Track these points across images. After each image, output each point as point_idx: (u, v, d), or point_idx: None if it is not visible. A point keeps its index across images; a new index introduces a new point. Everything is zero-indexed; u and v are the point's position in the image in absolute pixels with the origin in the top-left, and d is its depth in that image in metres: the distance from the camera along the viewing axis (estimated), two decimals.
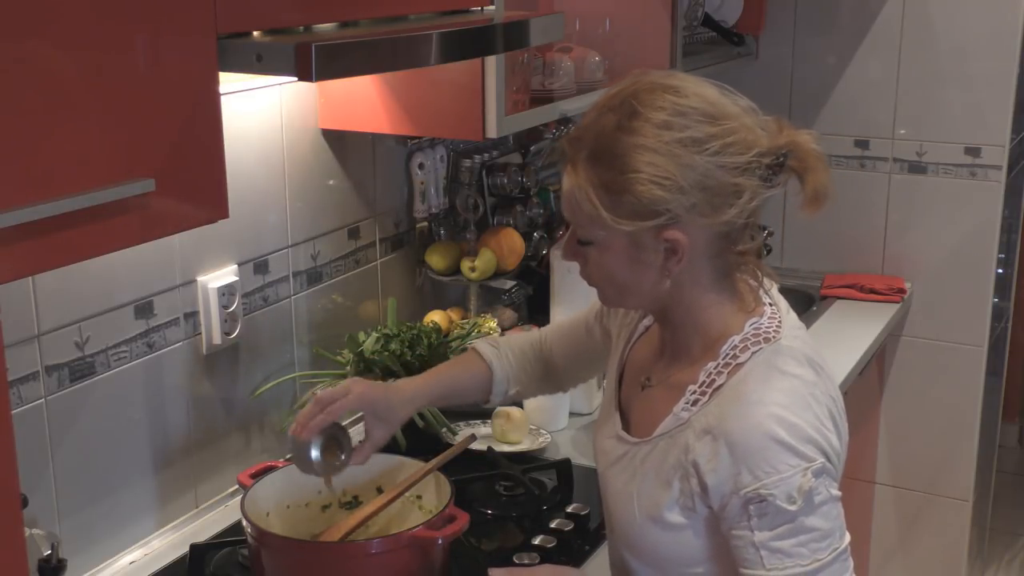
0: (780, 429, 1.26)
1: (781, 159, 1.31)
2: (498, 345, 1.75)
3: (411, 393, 1.67)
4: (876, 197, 3.14)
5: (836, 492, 1.31)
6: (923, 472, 3.24)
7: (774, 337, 1.34)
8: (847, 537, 1.32)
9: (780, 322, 1.37)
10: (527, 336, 1.78)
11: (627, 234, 1.31)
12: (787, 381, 1.30)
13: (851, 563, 1.32)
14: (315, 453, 1.54)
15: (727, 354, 1.35)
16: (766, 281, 1.40)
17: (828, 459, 1.29)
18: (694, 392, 1.35)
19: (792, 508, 1.26)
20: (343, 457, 1.60)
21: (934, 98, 3.06)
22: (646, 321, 1.54)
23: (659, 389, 1.42)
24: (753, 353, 1.33)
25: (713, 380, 1.34)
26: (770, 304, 1.39)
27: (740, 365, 1.33)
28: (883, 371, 3.21)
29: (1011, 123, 3.01)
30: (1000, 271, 3.18)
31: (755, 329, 1.35)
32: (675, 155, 1.27)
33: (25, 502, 1.51)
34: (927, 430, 3.20)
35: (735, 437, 1.28)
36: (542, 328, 1.82)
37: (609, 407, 1.52)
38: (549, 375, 1.76)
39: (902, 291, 3.08)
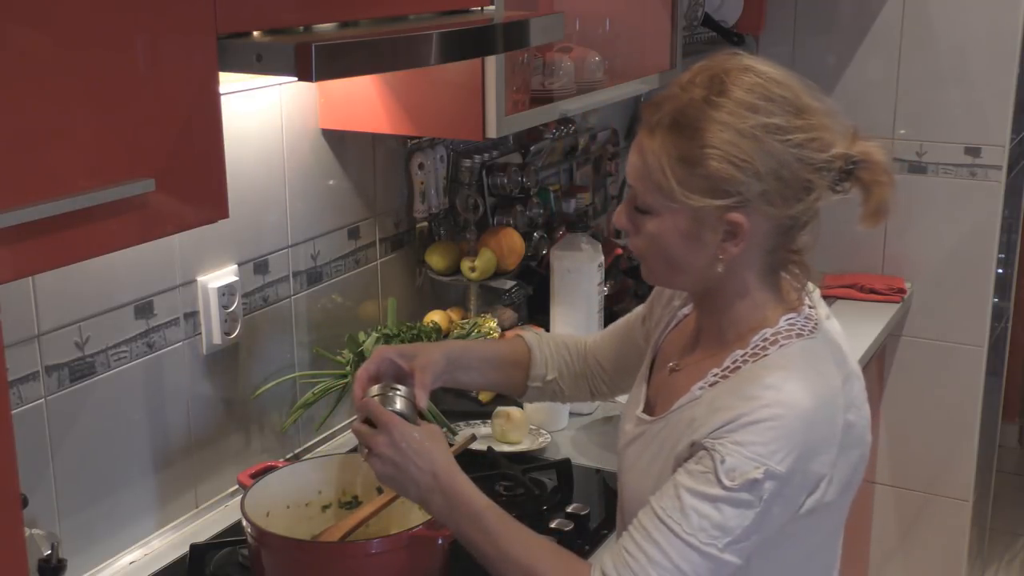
0: (777, 422, 1.25)
1: (852, 166, 1.31)
2: (539, 334, 1.76)
3: (444, 344, 1.70)
4: None
5: (774, 511, 1.27)
6: (923, 472, 3.24)
7: (808, 335, 1.34)
8: (735, 559, 1.27)
9: (817, 324, 1.37)
10: (568, 335, 1.76)
11: (691, 210, 1.29)
12: (809, 378, 1.29)
13: None
14: (400, 403, 1.49)
15: (757, 344, 1.34)
16: (809, 284, 1.41)
17: (797, 480, 1.27)
18: (716, 375, 1.36)
19: (724, 482, 1.24)
20: (405, 393, 1.53)
21: (934, 98, 3.06)
22: (685, 309, 1.54)
23: (684, 373, 1.43)
24: (782, 346, 1.33)
25: (737, 367, 1.34)
26: (810, 306, 1.39)
27: (767, 356, 1.33)
28: (883, 371, 3.21)
29: (1011, 123, 3.01)
30: (1000, 271, 3.18)
31: (789, 324, 1.35)
32: (757, 138, 1.26)
33: (25, 502, 1.51)
34: (927, 430, 3.20)
35: (736, 409, 1.27)
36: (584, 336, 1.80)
37: (637, 391, 1.53)
38: (589, 376, 1.74)
39: (902, 291, 3.08)
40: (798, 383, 1.28)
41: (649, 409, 1.47)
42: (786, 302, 1.38)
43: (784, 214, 1.30)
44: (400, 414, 1.46)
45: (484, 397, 2.33)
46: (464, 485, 1.40)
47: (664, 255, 1.36)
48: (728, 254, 1.32)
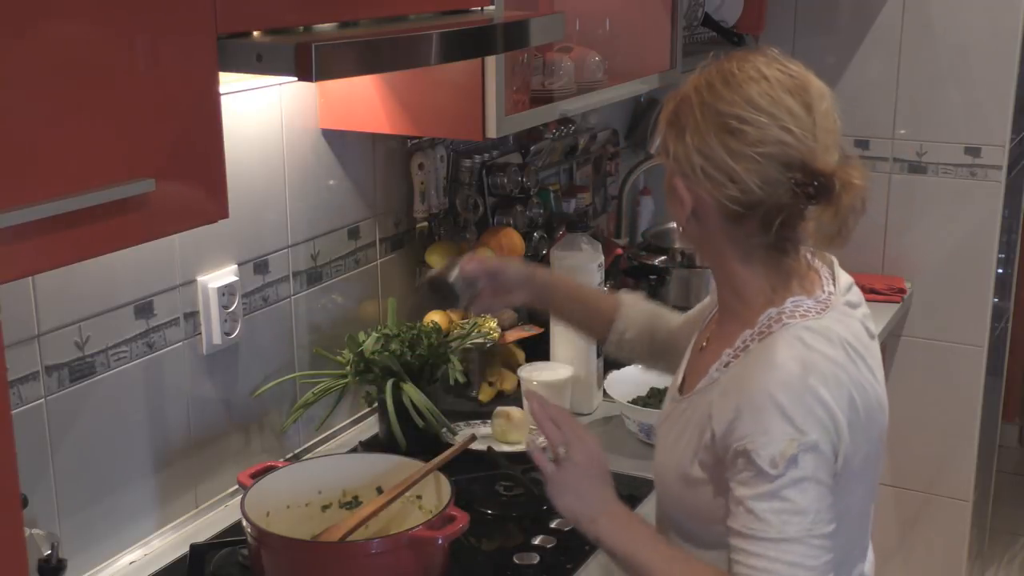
0: (782, 395, 1.31)
1: (816, 182, 1.35)
2: (637, 297, 1.87)
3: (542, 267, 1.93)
4: (876, 197, 3.14)
5: (824, 477, 1.32)
6: (923, 472, 3.24)
7: (814, 317, 1.39)
8: (829, 527, 1.33)
9: (827, 307, 1.41)
10: (663, 310, 1.85)
11: (667, 169, 1.44)
12: (808, 354, 1.35)
13: (830, 556, 1.32)
14: (454, 274, 1.58)
15: (763, 324, 1.41)
16: (843, 275, 1.50)
17: (826, 440, 1.32)
18: (729, 355, 1.43)
19: (772, 472, 1.30)
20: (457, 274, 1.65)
21: (934, 98, 3.06)
22: None
23: (709, 351, 1.51)
24: (784, 325, 1.39)
25: (747, 346, 1.41)
26: (830, 292, 1.45)
27: (772, 335, 1.39)
28: (884, 371, 3.20)
29: (1011, 123, 3.01)
30: (1000, 271, 3.18)
31: (795, 306, 1.41)
32: (705, 120, 1.37)
33: (25, 502, 1.51)
34: (927, 430, 3.20)
35: (743, 394, 1.34)
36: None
37: (679, 369, 1.60)
38: (666, 354, 1.78)
39: (902, 291, 3.08)
40: (796, 363, 1.34)
41: (683, 387, 1.54)
42: (795, 284, 1.43)
43: (724, 197, 1.37)
44: (446, 282, 1.62)
45: (484, 397, 2.33)
46: (630, 512, 1.49)
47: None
48: (681, 217, 1.43)
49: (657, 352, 1.81)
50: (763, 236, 1.39)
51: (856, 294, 1.51)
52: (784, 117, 1.35)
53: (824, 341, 1.36)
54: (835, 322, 1.40)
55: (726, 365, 1.42)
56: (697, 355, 1.55)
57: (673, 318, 1.82)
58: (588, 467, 1.48)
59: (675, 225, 1.54)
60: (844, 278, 1.50)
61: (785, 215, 1.37)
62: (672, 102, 1.43)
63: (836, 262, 1.52)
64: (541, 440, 1.64)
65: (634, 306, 1.83)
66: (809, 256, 1.48)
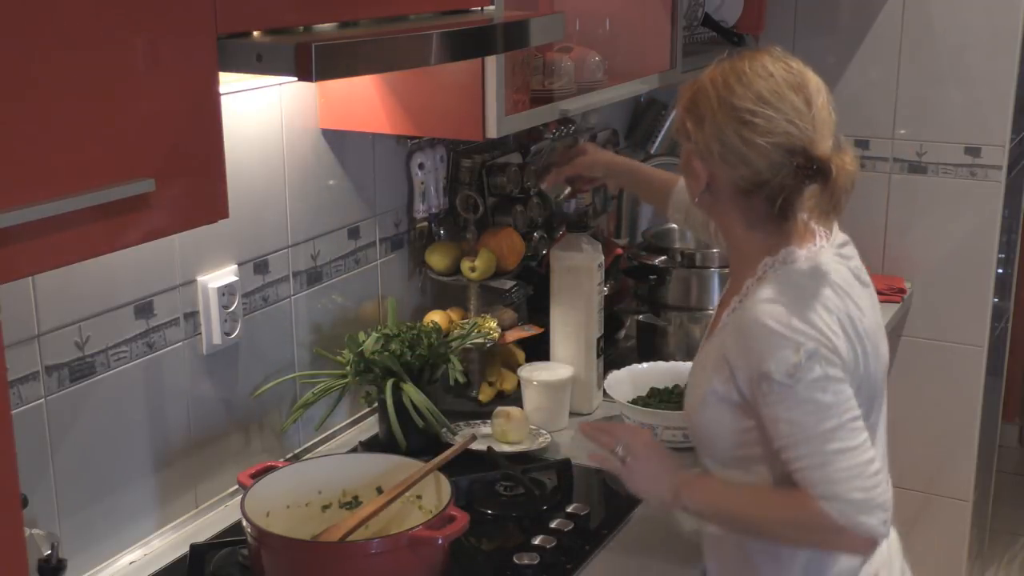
0: (770, 320, 1.52)
1: (813, 167, 1.54)
2: None
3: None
4: (876, 197, 3.15)
5: (836, 373, 1.52)
6: (923, 472, 3.24)
7: (802, 262, 1.59)
8: (857, 411, 1.53)
9: (816, 256, 1.60)
10: None
11: (686, 150, 1.63)
12: (791, 287, 1.56)
13: (865, 435, 1.53)
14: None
15: (761, 271, 1.61)
16: (840, 235, 1.67)
17: (824, 346, 1.51)
18: (736, 301, 1.63)
19: (788, 382, 1.50)
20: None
21: (934, 98, 3.06)
22: None
23: (723, 303, 1.72)
24: (775, 270, 1.59)
25: (748, 291, 1.61)
26: (821, 246, 1.62)
27: (766, 277, 1.59)
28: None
29: (1011, 123, 3.01)
30: (1000, 271, 3.18)
31: (787, 254, 1.60)
32: (722, 110, 1.56)
33: (25, 502, 1.51)
34: (927, 430, 3.20)
35: (742, 330, 1.56)
36: None
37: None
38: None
39: (902, 291, 3.08)
40: (782, 294, 1.55)
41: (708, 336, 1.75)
42: (792, 239, 1.62)
43: (736, 176, 1.57)
44: None
45: (484, 397, 2.33)
46: (699, 475, 1.70)
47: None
48: (696, 190, 1.63)
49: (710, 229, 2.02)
50: (767, 208, 1.59)
51: (851, 250, 1.68)
52: (789, 111, 1.54)
53: (810, 279, 1.57)
54: (822, 265, 1.59)
55: (734, 310, 1.62)
56: (718, 309, 1.77)
57: None
58: (649, 454, 1.69)
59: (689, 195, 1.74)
60: (840, 236, 1.68)
61: (787, 193, 1.56)
62: (689, 92, 1.62)
63: (836, 225, 1.67)
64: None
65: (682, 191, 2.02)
66: (806, 217, 1.63)
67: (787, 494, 1.56)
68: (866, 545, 1.56)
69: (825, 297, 1.55)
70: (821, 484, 1.51)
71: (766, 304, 1.54)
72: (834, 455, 1.50)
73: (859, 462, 1.52)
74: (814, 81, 1.59)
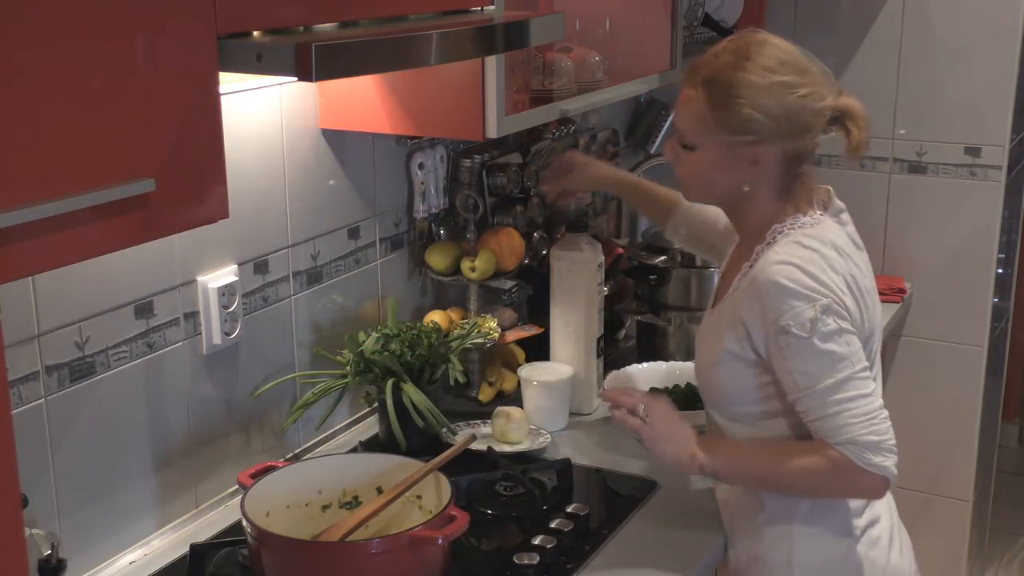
0: (783, 278, 1.62)
1: (839, 115, 1.70)
2: (693, 206, 2.11)
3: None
4: (876, 197, 3.15)
5: (847, 326, 1.62)
6: (923, 472, 3.24)
7: (808, 226, 1.70)
8: (865, 363, 1.65)
9: (816, 223, 1.70)
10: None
11: (725, 145, 1.69)
12: (801, 249, 1.66)
13: (874, 384, 1.65)
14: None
15: (770, 237, 1.71)
16: (837, 202, 1.77)
17: (834, 302, 1.61)
18: (746, 267, 1.72)
19: (805, 335, 1.60)
20: None
21: (934, 98, 3.06)
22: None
23: (731, 270, 1.81)
24: (785, 234, 1.70)
25: (758, 255, 1.71)
26: (821, 213, 1.73)
27: (776, 242, 1.69)
28: (883, 371, 3.20)
29: (1011, 123, 3.01)
30: (1000, 271, 3.18)
31: (794, 221, 1.71)
32: (773, 92, 1.65)
33: (25, 502, 1.51)
34: (927, 430, 3.20)
35: (758, 291, 1.65)
36: None
37: (713, 292, 1.90)
38: (716, 245, 2.07)
39: (902, 291, 3.08)
40: (792, 255, 1.65)
41: (715, 303, 1.83)
42: (799, 207, 1.72)
43: (791, 146, 1.68)
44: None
45: (484, 397, 2.33)
46: (715, 438, 1.81)
47: (703, 180, 1.76)
48: (751, 177, 1.70)
49: (711, 248, 2.12)
50: (794, 173, 1.70)
51: (847, 217, 1.78)
52: (815, 72, 1.68)
53: (816, 241, 1.67)
54: (825, 230, 1.70)
55: (744, 275, 1.71)
56: (724, 277, 1.85)
57: (720, 220, 2.01)
58: (667, 417, 1.77)
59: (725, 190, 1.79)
60: (837, 203, 1.78)
61: (814, 149, 1.71)
62: (706, 88, 1.68)
63: (832, 191, 1.78)
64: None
65: (689, 212, 2.12)
66: (810, 183, 1.75)
67: (804, 444, 1.67)
68: (882, 485, 1.67)
69: (831, 259, 1.66)
70: (837, 430, 1.61)
71: (779, 266, 1.63)
72: (848, 402, 1.61)
73: (870, 409, 1.63)
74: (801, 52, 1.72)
